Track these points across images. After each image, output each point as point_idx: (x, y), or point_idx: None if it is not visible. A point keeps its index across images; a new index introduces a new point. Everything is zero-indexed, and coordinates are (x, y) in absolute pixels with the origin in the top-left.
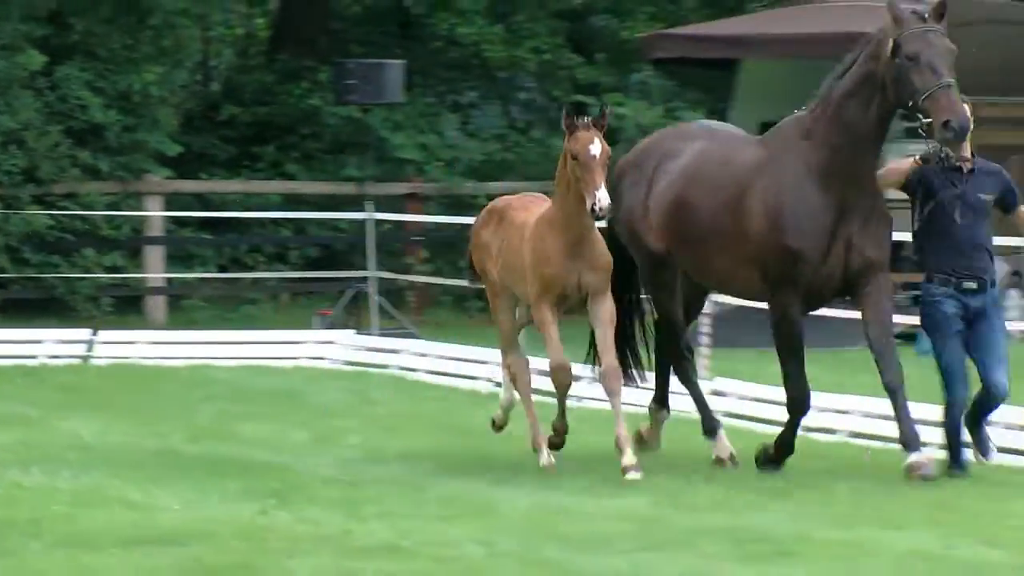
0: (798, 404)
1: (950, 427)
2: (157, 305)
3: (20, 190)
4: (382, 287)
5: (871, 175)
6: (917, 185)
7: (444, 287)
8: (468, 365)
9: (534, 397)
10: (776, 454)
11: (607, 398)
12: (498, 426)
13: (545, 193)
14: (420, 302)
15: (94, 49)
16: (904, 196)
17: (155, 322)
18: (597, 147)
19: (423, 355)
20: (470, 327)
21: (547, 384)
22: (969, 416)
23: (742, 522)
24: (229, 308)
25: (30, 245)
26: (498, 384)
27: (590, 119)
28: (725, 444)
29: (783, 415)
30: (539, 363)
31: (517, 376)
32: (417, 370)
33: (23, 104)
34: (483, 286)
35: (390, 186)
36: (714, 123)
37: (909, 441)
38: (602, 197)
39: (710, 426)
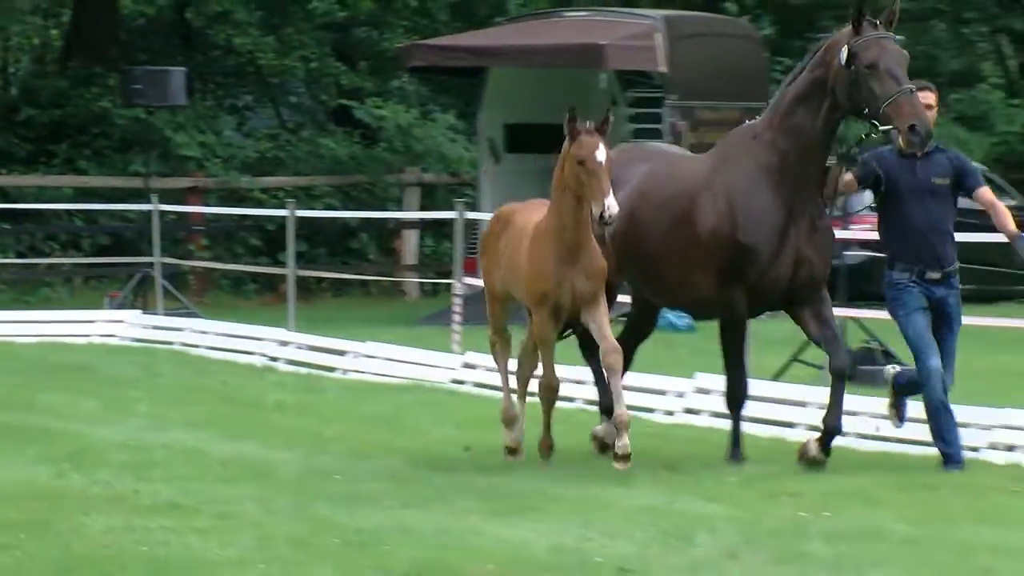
0: (737, 401)
1: (933, 408)
2: None
3: None
4: (166, 271)
5: (817, 182)
6: (870, 175)
7: (222, 271)
8: (245, 342)
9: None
10: (734, 451)
11: (608, 377)
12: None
13: None
14: (201, 285)
15: None
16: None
17: None
18: (603, 152)
19: (204, 333)
20: (246, 308)
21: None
22: (904, 385)
23: (490, 481)
24: (27, 291)
25: None
26: (273, 359)
27: (592, 124)
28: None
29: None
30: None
31: (500, 356)
32: (199, 346)
33: None
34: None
35: (173, 180)
36: (658, 144)
37: (830, 428)
38: (611, 204)
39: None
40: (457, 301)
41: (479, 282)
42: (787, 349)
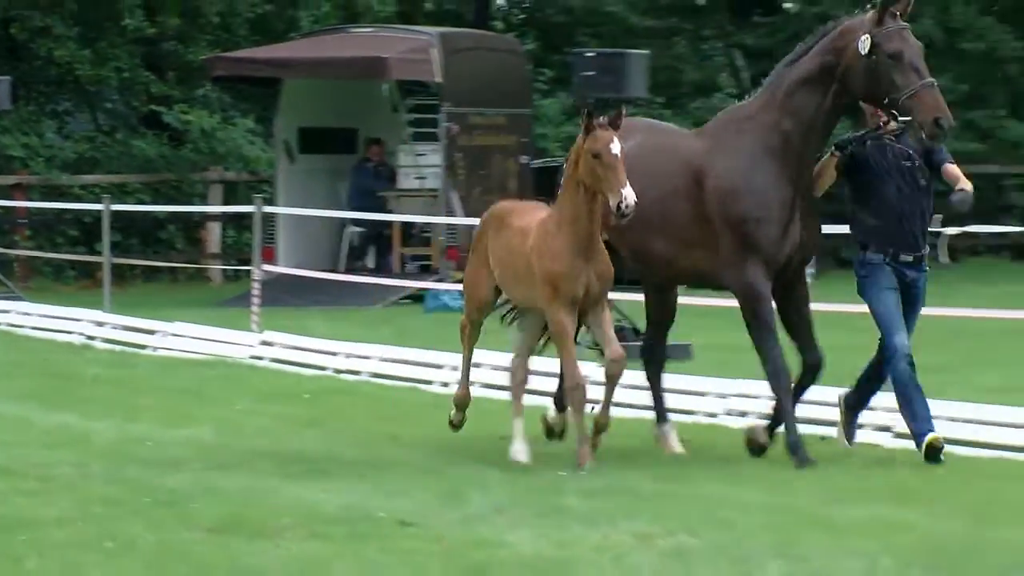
0: (781, 379)
1: (900, 384)
2: None
3: None
4: None
5: (811, 168)
6: (848, 160)
7: (45, 259)
8: (65, 322)
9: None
10: (788, 434)
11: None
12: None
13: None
14: (25, 272)
15: None
16: None
17: None
18: (618, 146)
19: (28, 314)
20: (67, 292)
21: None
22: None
23: (287, 448)
24: None
25: None
26: (90, 338)
27: (606, 118)
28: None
29: (321, 360)
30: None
31: (467, 340)
32: (23, 327)
33: None
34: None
35: (0, 178)
36: (651, 120)
37: (777, 420)
38: (628, 195)
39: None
40: (256, 286)
41: (276, 268)
42: None
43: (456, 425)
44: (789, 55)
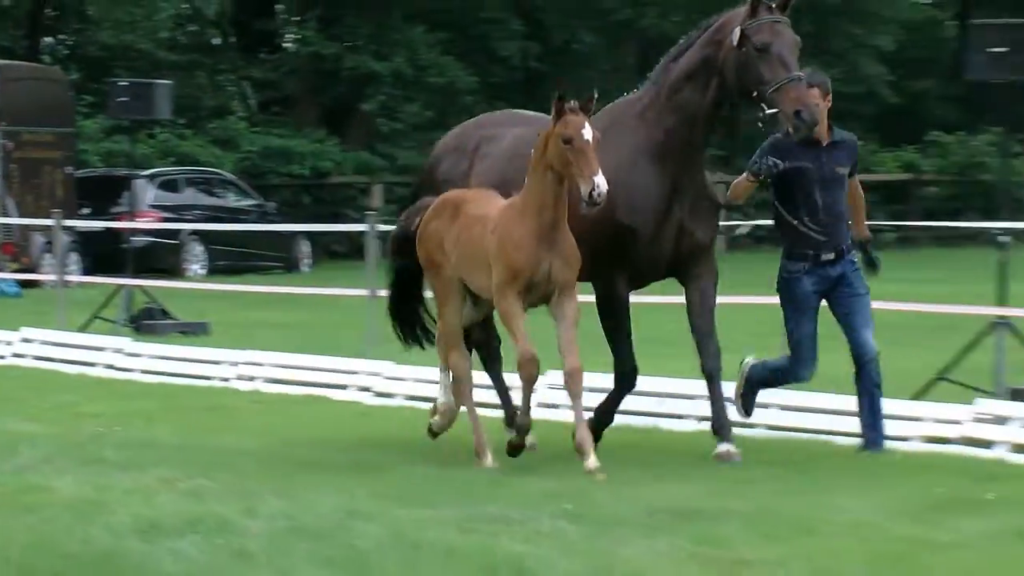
0: (627, 379)
1: (772, 382)
2: None
3: None
4: None
5: (701, 158)
6: (773, 169)
7: None
8: None
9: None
10: (597, 425)
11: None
12: (435, 432)
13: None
14: None
15: None
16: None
17: None
18: (589, 131)
19: None
20: None
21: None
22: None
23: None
24: None
25: None
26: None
27: (577, 103)
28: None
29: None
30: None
31: (458, 377)
32: None
33: None
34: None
35: None
36: (527, 112)
37: (721, 428)
38: (600, 182)
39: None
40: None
41: None
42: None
43: (436, 433)
44: (673, 49)
